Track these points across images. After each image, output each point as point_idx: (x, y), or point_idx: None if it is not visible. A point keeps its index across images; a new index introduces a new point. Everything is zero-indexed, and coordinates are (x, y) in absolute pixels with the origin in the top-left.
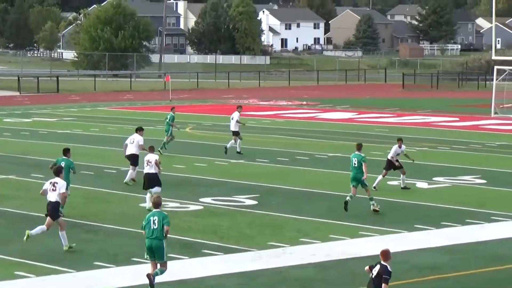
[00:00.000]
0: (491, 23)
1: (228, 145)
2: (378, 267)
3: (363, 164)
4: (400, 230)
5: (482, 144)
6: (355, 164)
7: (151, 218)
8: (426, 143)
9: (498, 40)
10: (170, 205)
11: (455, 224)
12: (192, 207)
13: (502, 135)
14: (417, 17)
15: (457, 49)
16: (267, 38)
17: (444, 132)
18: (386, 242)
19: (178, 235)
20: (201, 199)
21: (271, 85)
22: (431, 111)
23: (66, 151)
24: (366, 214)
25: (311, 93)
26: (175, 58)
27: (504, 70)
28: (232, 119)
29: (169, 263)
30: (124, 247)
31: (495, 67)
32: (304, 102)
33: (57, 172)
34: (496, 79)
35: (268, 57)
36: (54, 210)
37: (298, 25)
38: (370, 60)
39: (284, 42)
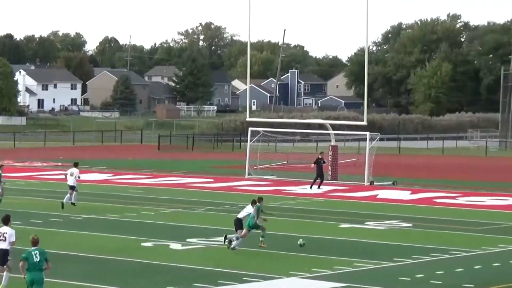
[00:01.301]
0: (247, 84)
1: (64, 200)
2: None
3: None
4: None
5: (236, 205)
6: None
7: (33, 252)
8: (181, 204)
9: (254, 102)
10: None
11: (207, 285)
12: None
13: (255, 196)
14: (174, 79)
15: (213, 110)
16: (23, 98)
17: (199, 193)
18: None
19: None
20: None
21: (26, 146)
22: (186, 172)
23: None
24: (121, 276)
25: (67, 154)
26: None
27: (258, 132)
28: (71, 175)
29: None
30: None
31: (250, 129)
32: (60, 163)
33: (6, 221)
34: (251, 140)
35: (24, 118)
36: (4, 257)
37: (55, 86)
38: (127, 121)
39: (41, 102)
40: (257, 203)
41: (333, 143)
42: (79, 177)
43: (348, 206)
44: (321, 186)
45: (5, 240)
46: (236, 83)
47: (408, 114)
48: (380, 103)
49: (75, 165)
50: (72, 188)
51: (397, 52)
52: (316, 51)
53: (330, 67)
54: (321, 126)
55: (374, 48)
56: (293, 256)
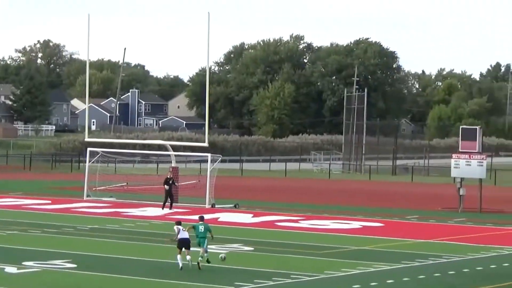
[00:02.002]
0: (86, 104)
1: None
2: None
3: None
4: None
5: (74, 227)
6: (201, 230)
7: None
8: (17, 226)
9: (93, 121)
10: None
11: None
12: None
13: (93, 218)
14: (11, 97)
15: (52, 129)
16: None
17: (36, 215)
18: None
19: None
20: None
21: None
22: (23, 194)
23: None
24: None
25: None
26: None
27: (97, 152)
28: None
29: None
30: None
31: (88, 149)
32: None
33: None
34: (89, 161)
35: None
36: None
37: None
38: None
39: None
40: (202, 222)
41: (173, 164)
42: None
43: None
44: (165, 208)
45: None
46: (75, 102)
47: (250, 136)
48: (222, 124)
49: None
50: None
51: (240, 72)
52: (157, 70)
53: (171, 87)
54: (162, 147)
55: (216, 68)
56: (133, 280)
